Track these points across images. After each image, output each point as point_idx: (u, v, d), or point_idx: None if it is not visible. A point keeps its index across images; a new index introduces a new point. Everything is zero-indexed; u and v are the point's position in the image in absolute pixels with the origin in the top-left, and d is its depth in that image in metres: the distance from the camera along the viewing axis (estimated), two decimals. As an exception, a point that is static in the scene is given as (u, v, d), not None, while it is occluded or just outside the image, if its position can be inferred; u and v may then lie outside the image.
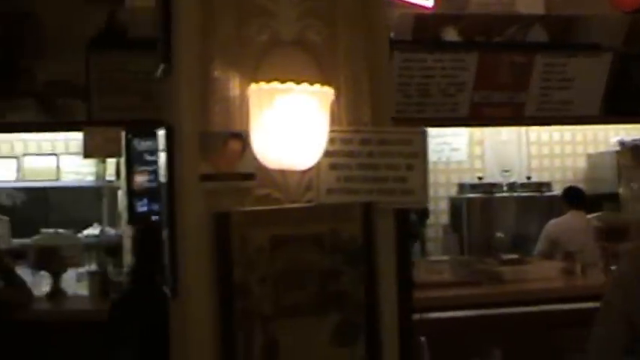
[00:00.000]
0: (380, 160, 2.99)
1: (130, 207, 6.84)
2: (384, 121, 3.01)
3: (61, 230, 6.06)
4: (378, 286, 2.98)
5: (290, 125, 2.79)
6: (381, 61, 3.01)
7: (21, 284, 5.23)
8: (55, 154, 7.13)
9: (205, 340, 2.86)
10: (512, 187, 6.79)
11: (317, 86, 2.81)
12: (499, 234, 6.29)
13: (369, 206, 2.97)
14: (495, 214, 6.57)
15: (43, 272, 5.72)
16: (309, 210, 2.94)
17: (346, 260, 2.94)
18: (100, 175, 7.01)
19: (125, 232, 6.77)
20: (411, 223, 3.01)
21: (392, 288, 3.02)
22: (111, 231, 6.88)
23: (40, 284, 5.73)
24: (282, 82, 2.80)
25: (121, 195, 6.91)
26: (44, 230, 6.01)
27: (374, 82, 2.99)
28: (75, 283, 5.95)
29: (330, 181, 2.96)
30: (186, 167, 2.88)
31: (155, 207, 6.85)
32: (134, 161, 6.82)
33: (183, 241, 2.91)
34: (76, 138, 6.99)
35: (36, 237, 5.91)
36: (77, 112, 6.97)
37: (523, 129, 7.16)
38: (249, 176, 2.90)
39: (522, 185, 6.93)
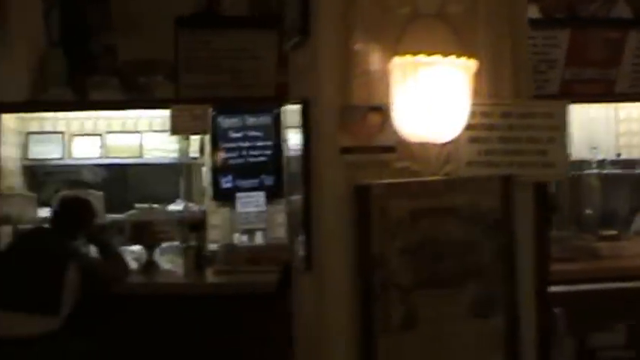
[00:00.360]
0: (521, 133, 2.98)
1: (215, 183, 6.89)
2: (524, 93, 2.99)
3: (155, 205, 6.12)
4: (515, 258, 2.97)
5: (433, 98, 2.79)
6: (521, 33, 2.99)
7: (118, 258, 5.28)
8: (139, 132, 7.16)
9: (342, 311, 2.88)
10: (601, 164, 6.72)
11: (463, 59, 2.80)
12: (588, 211, 6.24)
13: (508, 179, 2.96)
14: (584, 191, 6.50)
15: (136, 246, 5.78)
16: (449, 182, 2.94)
17: (485, 232, 2.94)
18: (184, 152, 7.03)
19: (209, 207, 6.81)
20: (549, 195, 3.00)
21: (529, 260, 3.02)
22: (194, 207, 6.91)
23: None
24: (426, 54, 2.80)
25: (205, 172, 6.94)
26: (138, 205, 6.06)
27: (514, 54, 2.97)
28: (159, 256, 6.00)
29: (470, 154, 2.96)
30: (326, 140, 2.89)
31: (240, 183, 6.91)
32: (219, 138, 6.87)
33: (321, 213, 2.91)
34: (159, 116, 7.01)
35: (130, 212, 5.96)
36: (158, 89, 7.01)
37: (612, 106, 7.07)
38: (389, 149, 2.91)
39: (612, 162, 6.86)
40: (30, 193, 6.53)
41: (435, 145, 2.92)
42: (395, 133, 2.88)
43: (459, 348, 2.94)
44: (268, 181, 6.93)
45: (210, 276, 5.49)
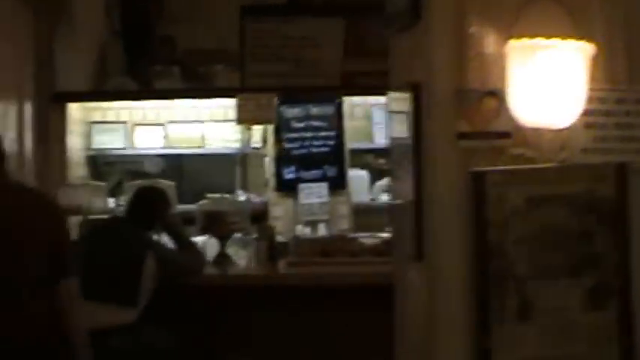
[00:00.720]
0: (635, 119, 2.90)
1: (278, 174, 6.86)
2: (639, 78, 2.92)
3: (226, 195, 6.08)
4: (630, 247, 2.90)
5: (551, 83, 2.72)
6: (636, 17, 2.90)
7: (194, 249, 5.21)
8: (201, 122, 7.14)
9: (456, 302, 2.81)
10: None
11: (581, 42, 2.73)
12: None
13: (623, 166, 2.89)
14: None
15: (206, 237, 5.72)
16: (564, 170, 2.86)
17: (600, 221, 2.87)
18: (246, 143, 7.01)
19: (271, 199, 6.77)
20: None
21: (644, 250, 2.93)
22: (256, 198, 6.89)
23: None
24: (543, 37, 2.73)
25: (268, 162, 6.90)
26: (210, 195, 6.03)
27: (629, 38, 2.89)
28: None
29: (585, 140, 2.88)
30: (440, 125, 2.82)
31: (303, 174, 6.86)
32: (282, 128, 6.83)
33: (434, 201, 2.85)
34: (221, 105, 7.00)
35: (202, 202, 5.92)
36: (218, 79, 6.98)
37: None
38: (504, 135, 2.84)
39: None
40: (99, 182, 6.52)
41: (550, 131, 2.84)
42: (510, 118, 2.81)
43: (574, 339, 2.86)
44: (331, 172, 6.89)
45: (284, 268, 5.41)
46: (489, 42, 2.83)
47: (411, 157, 2.94)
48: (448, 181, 2.82)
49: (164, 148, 7.07)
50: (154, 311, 4.87)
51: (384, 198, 7.30)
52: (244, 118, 6.24)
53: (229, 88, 6.43)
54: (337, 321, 5.04)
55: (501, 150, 2.84)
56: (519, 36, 2.78)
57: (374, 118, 7.31)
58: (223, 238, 5.52)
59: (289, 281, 5.24)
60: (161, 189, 5.40)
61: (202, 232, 5.62)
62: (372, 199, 7.28)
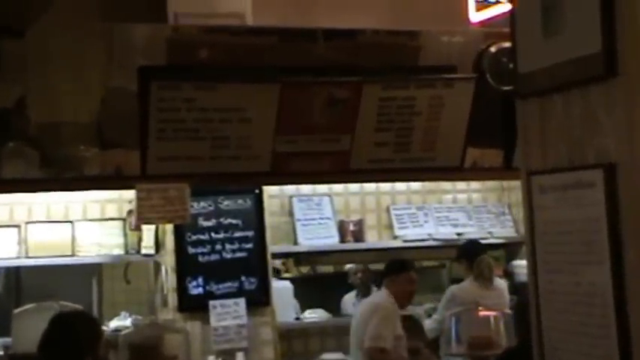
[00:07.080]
0: None
1: (181, 288, 6.28)
2: None
3: (159, 321, 5.43)
4: None
5: None
6: None
7: None
8: (70, 222, 6.46)
9: None
10: None
11: None
12: None
13: None
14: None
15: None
16: None
17: None
18: (133, 248, 6.39)
19: (173, 323, 6.14)
20: None
21: None
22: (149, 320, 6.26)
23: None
24: None
25: (166, 273, 6.32)
26: (136, 317, 5.35)
27: None
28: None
29: None
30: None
31: (213, 288, 6.33)
32: (186, 228, 6.25)
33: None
34: (95, 199, 6.36)
35: (128, 330, 5.22)
36: (87, 164, 6.32)
37: None
38: None
39: None
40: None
41: None
42: None
43: None
44: (249, 284, 6.39)
45: None
46: None
47: (611, 258, 2.55)
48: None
49: (20, 257, 6.32)
50: None
51: (313, 316, 6.86)
52: (147, 217, 5.61)
53: (122, 176, 5.78)
54: None
55: None
56: None
57: (296, 213, 6.86)
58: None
59: None
60: (87, 314, 4.70)
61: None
62: (298, 318, 6.79)
